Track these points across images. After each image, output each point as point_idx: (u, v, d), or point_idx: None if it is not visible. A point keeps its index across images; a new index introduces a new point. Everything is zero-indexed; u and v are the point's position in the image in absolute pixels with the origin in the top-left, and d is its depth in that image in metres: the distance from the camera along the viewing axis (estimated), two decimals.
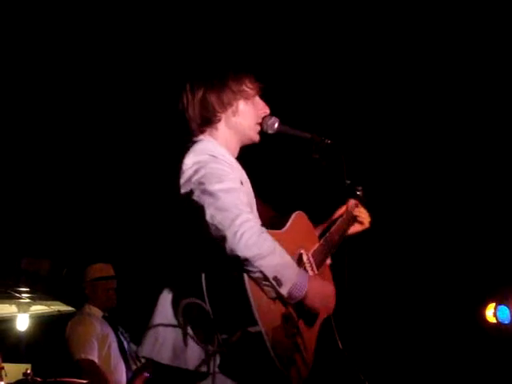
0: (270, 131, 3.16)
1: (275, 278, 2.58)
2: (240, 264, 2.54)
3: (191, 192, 2.66)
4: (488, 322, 7.10)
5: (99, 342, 5.34)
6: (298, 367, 2.74)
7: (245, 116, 3.05)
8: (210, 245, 2.58)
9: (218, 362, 2.59)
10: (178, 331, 2.65)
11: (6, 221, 7.03)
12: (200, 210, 2.60)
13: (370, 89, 6.06)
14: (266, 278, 2.57)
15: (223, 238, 2.53)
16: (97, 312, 5.56)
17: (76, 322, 5.45)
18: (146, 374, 5.28)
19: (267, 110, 3.13)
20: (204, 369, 2.60)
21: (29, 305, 7.85)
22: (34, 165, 6.86)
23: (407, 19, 5.45)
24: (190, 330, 2.63)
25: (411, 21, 5.44)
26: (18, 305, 7.82)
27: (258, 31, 5.50)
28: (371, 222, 3.39)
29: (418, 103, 6.20)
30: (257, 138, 3.09)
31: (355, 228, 3.38)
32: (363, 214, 3.37)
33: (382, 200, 6.79)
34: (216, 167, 2.71)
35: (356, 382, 3.22)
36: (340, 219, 3.36)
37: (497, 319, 7.01)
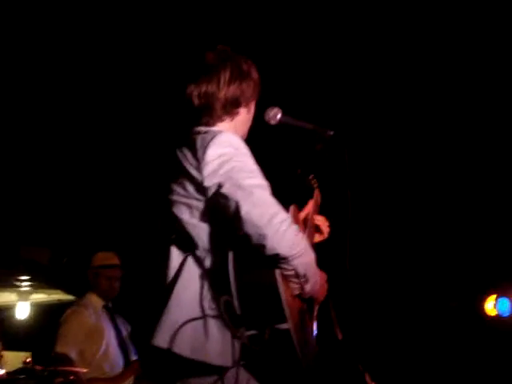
0: (272, 122, 3.15)
1: (304, 276, 2.59)
2: (276, 261, 2.51)
3: (220, 185, 2.56)
4: (488, 314, 7.11)
5: (91, 334, 5.36)
6: (310, 362, 2.73)
7: (251, 117, 3.03)
8: (240, 238, 2.53)
9: (241, 357, 2.56)
10: (197, 323, 2.59)
11: (6, 209, 7.03)
12: (232, 204, 2.52)
13: (373, 82, 6.04)
14: (298, 275, 2.57)
15: (262, 235, 2.46)
16: (97, 301, 5.56)
17: (70, 315, 5.46)
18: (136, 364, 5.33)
19: None
20: (225, 363, 2.56)
21: (29, 293, 7.89)
22: (34, 153, 6.84)
23: (411, 13, 5.43)
24: (213, 324, 2.59)
25: (415, 15, 5.42)
26: (18, 293, 7.84)
27: (263, 24, 5.49)
28: (329, 232, 3.31)
29: (419, 97, 6.19)
30: (245, 137, 3.01)
31: (315, 238, 3.31)
32: (321, 223, 3.29)
33: (384, 191, 6.84)
34: (245, 161, 2.64)
35: (355, 373, 3.22)
36: (311, 206, 3.33)
37: (497, 311, 7.02)
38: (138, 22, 5.65)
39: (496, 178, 6.67)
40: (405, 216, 7.13)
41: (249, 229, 2.49)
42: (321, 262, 2.94)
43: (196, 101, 2.87)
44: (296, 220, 2.97)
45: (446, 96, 6.13)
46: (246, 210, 2.49)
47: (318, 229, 3.29)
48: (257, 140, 3.06)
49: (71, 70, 6.03)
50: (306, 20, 5.44)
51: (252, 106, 3.01)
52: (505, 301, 6.99)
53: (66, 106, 6.42)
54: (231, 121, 2.92)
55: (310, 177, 3.43)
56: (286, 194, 2.86)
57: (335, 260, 3.17)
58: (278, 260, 2.51)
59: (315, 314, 3.00)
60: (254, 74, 2.99)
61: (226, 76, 2.89)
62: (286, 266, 2.52)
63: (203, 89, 2.87)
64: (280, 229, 2.47)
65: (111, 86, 6.20)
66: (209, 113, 2.88)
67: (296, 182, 3.39)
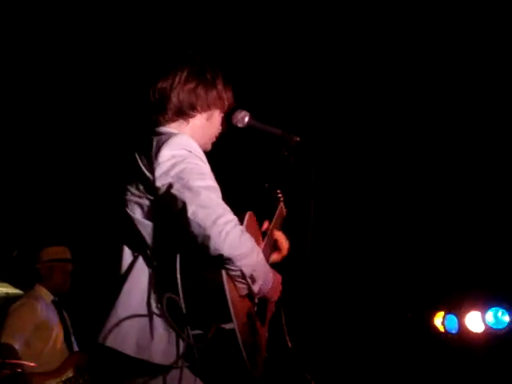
0: (239, 125, 3.17)
1: (251, 276, 2.61)
2: (220, 261, 2.53)
3: (170, 186, 2.59)
4: (437, 330, 7.18)
5: (40, 328, 5.29)
6: (258, 366, 2.75)
7: (213, 125, 3.03)
8: (186, 239, 2.54)
9: (185, 356, 2.57)
10: (143, 322, 2.61)
11: None
12: (180, 204, 2.54)
13: (340, 88, 6.07)
14: (244, 276, 2.59)
15: (206, 236, 2.49)
16: (46, 295, 5.50)
17: (18, 306, 5.38)
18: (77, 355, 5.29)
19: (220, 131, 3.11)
20: (169, 362, 2.57)
21: None
22: None
23: (396, 16, 5.46)
24: (159, 323, 2.60)
25: (399, 17, 5.44)
26: None
27: (233, 28, 5.49)
28: (289, 249, 3.31)
29: (386, 102, 6.23)
30: (208, 149, 3.04)
31: (274, 257, 3.29)
32: (280, 240, 3.30)
33: (346, 200, 6.88)
34: (195, 163, 2.65)
35: (302, 381, 3.23)
36: (274, 220, 3.35)
37: (444, 328, 7.09)
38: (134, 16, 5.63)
39: (456, 196, 6.75)
40: (365, 223, 7.19)
41: (194, 229, 2.51)
42: (278, 266, 2.97)
43: (152, 97, 2.91)
44: (252, 227, 2.99)
45: (424, 97, 6.17)
46: (192, 211, 2.52)
47: (276, 245, 3.29)
48: (223, 144, 3.07)
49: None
50: (276, 24, 5.46)
51: (214, 116, 3.02)
52: (452, 317, 7.07)
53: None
54: (187, 124, 2.94)
55: (278, 191, 3.46)
56: (250, 202, 2.88)
57: (292, 264, 3.19)
58: (222, 260, 2.53)
59: (268, 319, 3.02)
60: (220, 85, 3.01)
61: (181, 77, 2.93)
62: (230, 267, 2.55)
63: (158, 85, 2.91)
64: (223, 230, 2.50)
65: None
66: (161, 111, 2.92)
67: (262, 193, 3.40)
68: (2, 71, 5.91)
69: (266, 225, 3.26)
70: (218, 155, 2.95)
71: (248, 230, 2.82)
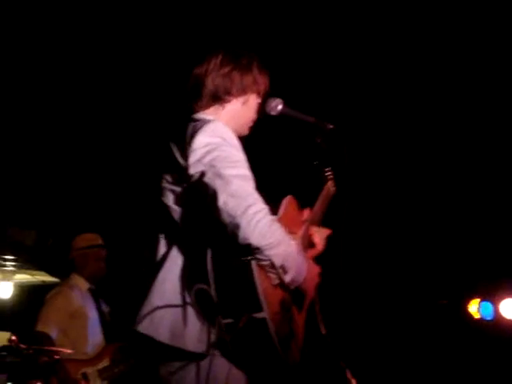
0: (273, 113, 3.14)
1: (282, 267, 2.60)
2: (249, 251, 2.53)
3: (202, 173, 2.59)
4: (471, 317, 7.15)
5: (75, 316, 5.34)
6: (293, 353, 2.75)
7: (250, 110, 3.02)
8: (217, 228, 2.54)
9: (217, 344, 2.59)
10: (176, 310, 2.63)
11: None
12: (211, 192, 2.54)
13: (374, 77, 6.05)
14: (274, 266, 2.58)
15: (236, 225, 2.48)
16: (83, 284, 5.54)
17: (55, 294, 5.45)
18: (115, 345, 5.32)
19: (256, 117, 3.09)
20: (202, 350, 2.59)
21: (13, 273, 7.85)
22: (22, 137, 6.81)
23: (412, 11, 5.44)
24: (192, 312, 2.62)
25: (416, 13, 5.43)
26: (3, 272, 7.81)
27: (267, 18, 5.48)
28: (325, 246, 3.20)
29: (420, 94, 6.19)
30: (245, 133, 3.04)
31: (311, 252, 3.16)
32: (316, 236, 3.18)
33: (380, 188, 6.86)
34: (229, 151, 2.64)
35: (337, 369, 3.23)
36: (318, 202, 3.31)
37: (480, 315, 7.06)
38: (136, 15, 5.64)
39: (490, 182, 6.70)
40: (400, 213, 7.16)
41: (225, 218, 2.51)
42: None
43: (189, 84, 2.94)
44: (291, 214, 2.98)
45: (447, 92, 6.13)
46: (223, 200, 2.51)
47: (311, 242, 3.20)
48: (257, 131, 3.07)
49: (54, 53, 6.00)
50: (311, 15, 5.44)
51: (250, 100, 3.00)
52: (488, 305, 7.03)
53: (50, 90, 6.40)
54: (222, 109, 2.94)
55: (327, 169, 3.40)
56: (295, 184, 2.86)
57: (328, 253, 3.18)
58: (251, 250, 2.52)
59: (305, 307, 2.99)
60: (256, 70, 2.99)
61: (216, 62, 2.93)
62: (260, 257, 2.54)
63: (193, 72, 2.94)
64: (253, 219, 2.49)
65: (101, 73, 6.19)
66: (196, 97, 2.93)
67: (310, 173, 3.38)
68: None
69: (306, 213, 3.21)
70: (253, 143, 2.95)
71: (285, 217, 2.84)
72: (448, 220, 7.13)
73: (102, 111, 6.62)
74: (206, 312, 2.57)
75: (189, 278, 2.65)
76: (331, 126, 3.14)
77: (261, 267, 2.57)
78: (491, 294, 7.00)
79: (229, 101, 2.94)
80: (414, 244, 7.28)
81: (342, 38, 5.64)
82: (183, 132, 2.74)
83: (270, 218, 2.57)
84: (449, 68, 5.87)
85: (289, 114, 3.17)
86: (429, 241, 7.24)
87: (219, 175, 2.56)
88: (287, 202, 2.94)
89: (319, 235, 3.19)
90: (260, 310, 2.53)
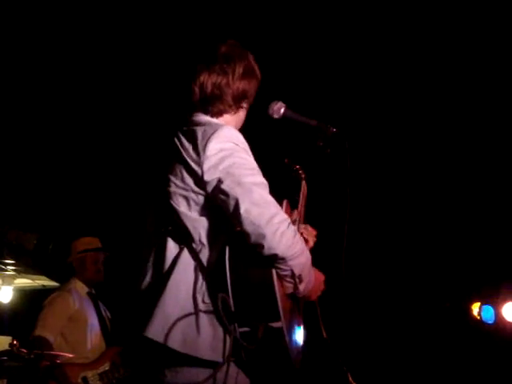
0: (275, 116, 3.14)
1: (299, 276, 2.60)
2: (272, 260, 2.52)
3: (219, 181, 2.56)
4: (473, 320, 7.14)
5: (74, 319, 5.36)
6: (299, 359, 2.74)
7: (244, 114, 3.01)
8: (235, 236, 2.54)
9: (231, 353, 2.56)
10: (189, 317, 2.59)
11: None
12: (231, 201, 2.53)
13: (376, 81, 6.05)
14: (293, 275, 2.58)
15: (261, 235, 2.47)
16: (81, 287, 5.55)
17: (53, 299, 5.46)
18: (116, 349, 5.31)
19: None
20: (216, 358, 2.56)
21: (13, 277, 7.82)
22: (23, 140, 6.81)
23: (412, 12, 5.44)
24: (205, 319, 2.59)
25: (418, 15, 5.43)
26: (2, 277, 7.78)
27: (268, 19, 5.48)
28: (316, 241, 3.18)
29: (421, 97, 6.21)
30: None
31: None
32: (306, 233, 3.15)
33: (382, 192, 6.86)
34: (244, 157, 2.63)
35: (338, 372, 3.22)
36: (300, 201, 3.28)
37: (481, 318, 7.05)
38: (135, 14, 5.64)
39: (493, 186, 6.70)
40: (403, 217, 7.17)
41: (247, 227, 2.50)
42: (317, 261, 2.94)
43: (208, 89, 2.85)
44: (288, 214, 2.92)
45: (449, 95, 6.14)
46: (245, 208, 2.50)
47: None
48: (256, 133, 3.06)
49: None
50: (312, 16, 5.44)
51: (247, 105, 2.99)
52: (489, 308, 7.03)
53: (52, 94, 6.40)
54: (234, 114, 2.92)
55: (297, 167, 3.38)
56: (274, 185, 2.84)
57: (330, 256, 3.17)
58: (275, 260, 2.52)
59: (301, 310, 2.99)
60: (258, 73, 2.99)
61: (240, 70, 2.89)
62: (282, 266, 2.54)
63: (217, 79, 2.85)
64: (279, 229, 2.49)
65: (103, 76, 6.18)
66: (219, 103, 2.87)
67: (283, 172, 3.36)
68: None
69: (295, 214, 3.16)
70: (254, 146, 2.93)
71: None
72: (450, 224, 7.13)
73: (103, 120, 6.62)
74: (222, 320, 2.53)
75: (203, 283, 2.62)
76: (334, 130, 3.13)
77: (278, 276, 2.56)
78: (493, 298, 7.00)
79: (243, 107, 2.95)
80: (416, 248, 7.28)
81: (345, 42, 5.65)
82: (192, 135, 2.70)
83: (292, 228, 2.58)
84: (450, 71, 5.88)
85: (291, 116, 3.16)
86: (431, 244, 7.25)
87: (238, 183, 2.55)
88: (285, 205, 2.93)
89: (307, 232, 3.16)
90: (278, 319, 2.52)
